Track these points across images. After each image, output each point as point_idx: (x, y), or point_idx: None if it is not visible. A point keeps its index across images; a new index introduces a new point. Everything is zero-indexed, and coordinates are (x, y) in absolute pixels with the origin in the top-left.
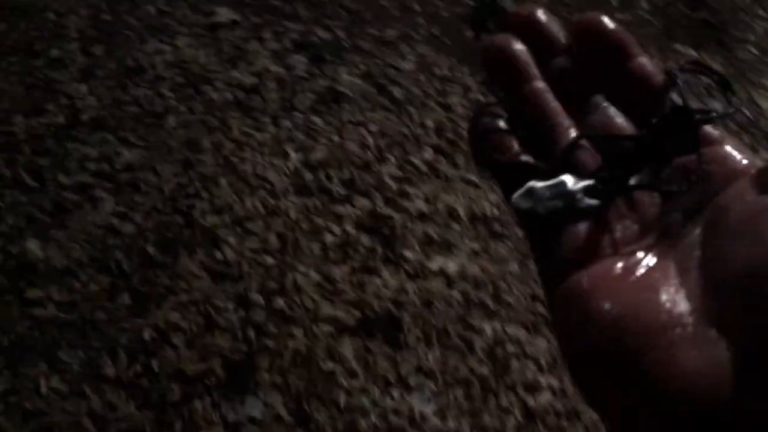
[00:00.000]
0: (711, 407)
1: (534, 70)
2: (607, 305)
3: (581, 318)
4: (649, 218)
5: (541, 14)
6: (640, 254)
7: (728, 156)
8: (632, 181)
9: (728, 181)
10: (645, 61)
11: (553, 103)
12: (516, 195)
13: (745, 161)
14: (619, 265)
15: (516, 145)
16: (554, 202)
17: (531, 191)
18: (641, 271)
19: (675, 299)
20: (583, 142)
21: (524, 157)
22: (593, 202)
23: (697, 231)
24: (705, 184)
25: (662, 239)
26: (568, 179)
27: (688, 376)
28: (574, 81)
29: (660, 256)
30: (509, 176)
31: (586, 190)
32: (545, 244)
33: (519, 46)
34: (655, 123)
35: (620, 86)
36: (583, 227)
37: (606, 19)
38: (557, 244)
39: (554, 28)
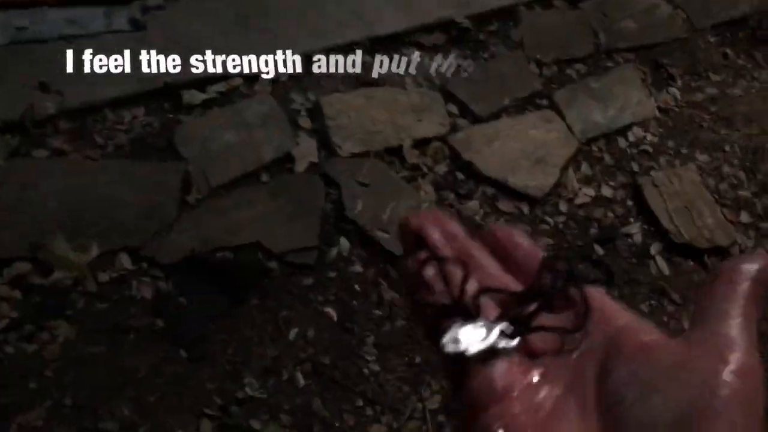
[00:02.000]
0: None
1: (443, 245)
2: None
3: None
4: (547, 362)
5: (443, 215)
6: (542, 394)
7: (607, 310)
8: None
9: (610, 329)
10: (531, 247)
11: (456, 267)
12: (445, 339)
13: (624, 314)
14: (526, 405)
15: (441, 288)
16: (479, 344)
17: (457, 336)
18: (545, 410)
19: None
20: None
21: (447, 301)
22: (507, 344)
23: (590, 372)
24: (592, 329)
25: (559, 379)
26: (484, 324)
27: None
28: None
29: (560, 395)
30: (431, 314)
31: (501, 333)
32: (461, 382)
33: (433, 227)
34: (542, 283)
35: (508, 258)
36: (495, 368)
37: (501, 228)
38: (474, 383)
39: (454, 226)
